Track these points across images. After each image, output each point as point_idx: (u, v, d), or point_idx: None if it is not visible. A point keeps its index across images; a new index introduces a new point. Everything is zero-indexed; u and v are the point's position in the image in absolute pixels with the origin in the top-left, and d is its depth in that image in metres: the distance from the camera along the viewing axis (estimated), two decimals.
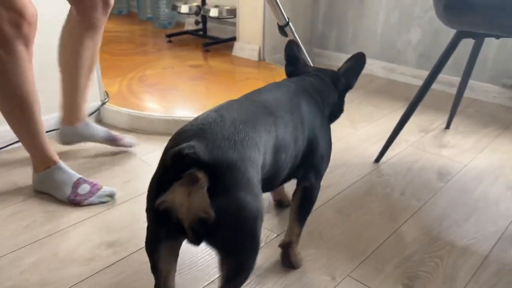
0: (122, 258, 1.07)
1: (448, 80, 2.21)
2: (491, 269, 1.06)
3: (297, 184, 1.03)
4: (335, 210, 1.28)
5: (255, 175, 0.73)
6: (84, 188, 1.27)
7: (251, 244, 0.75)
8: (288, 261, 1.05)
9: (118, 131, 1.72)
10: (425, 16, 2.21)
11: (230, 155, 0.70)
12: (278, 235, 1.17)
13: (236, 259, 0.75)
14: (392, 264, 1.07)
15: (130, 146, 1.58)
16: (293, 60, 1.13)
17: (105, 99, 1.84)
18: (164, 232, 0.74)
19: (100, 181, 1.36)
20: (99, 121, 1.81)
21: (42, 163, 1.28)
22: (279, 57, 2.55)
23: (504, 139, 1.73)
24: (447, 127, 1.82)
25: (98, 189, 1.29)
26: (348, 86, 1.12)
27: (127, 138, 1.59)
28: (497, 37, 1.31)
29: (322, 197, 1.34)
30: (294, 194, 1.04)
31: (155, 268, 0.80)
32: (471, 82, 2.13)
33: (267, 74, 2.29)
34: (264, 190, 0.80)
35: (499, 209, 1.30)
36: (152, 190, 0.72)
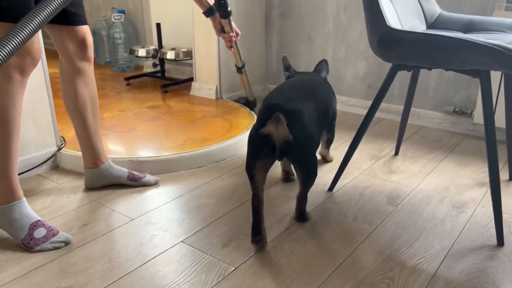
0: None
1: (396, 109, 2.35)
2: (439, 286, 1.12)
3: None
4: (292, 239, 1.32)
5: (313, 118, 1.31)
6: (40, 232, 1.26)
7: (311, 157, 1.30)
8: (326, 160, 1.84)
9: (77, 176, 1.72)
10: (369, 50, 2.36)
11: (296, 106, 1.26)
12: (236, 268, 1.19)
13: (304, 168, 1.32)
14: (346, 287, 1.11)
15: (154, 183, 1.66)
16: (287, 67, 1.73)
17: (62, 144, 1.84)
18: (261, 153, 1.24)
19: (58, 225, 1.36)
20: (56, 167, 1.81)
21: (5, 195, 1.26)
22: (236, 95, 2.64)
23: (449, 162, 1.84)
24: (396, 153, 1.92)
25: (54, 235, 1.28)
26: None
27: (149, 176, 1.67)
28: (429, 68, 1.43)
29: (278, 227, 1.38)
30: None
31: (252, 179, 1.27)
32: (417, 110, 2.28)
33: (224, 111, 2.35)
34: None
35: (445, 227, 1.37)
36: (257, 126, 1.24)
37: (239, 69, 2.19)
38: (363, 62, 2.41)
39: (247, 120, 2.18)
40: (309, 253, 1.25)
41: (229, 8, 1.77)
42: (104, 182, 1.61)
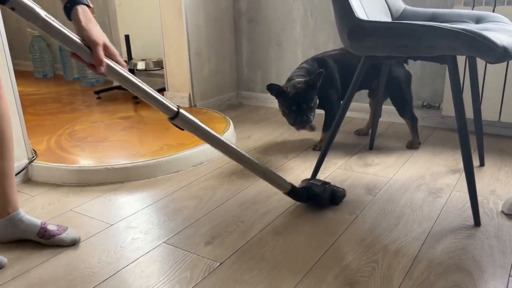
0: None
1: (367, 108, 2.39)
2: (422, 265, 1.14)
3: None
4: (275, 233, 1.32)
5: None
6: None
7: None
8: None
9: (50, 187, 1.67)
10: None
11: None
12: (221, 263, 1.17)
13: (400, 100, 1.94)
14: (332, 274, 1.12)
15: (69, 244, 1.29)
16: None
17: (33, 157, 1.79)
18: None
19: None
20: (28, 180, 1.75)
21: None
22: (209, 102, 2.64)
23: (421, 152, 1.89)
24: (371, 148, 1.95)
25: None
26: None
27: (68, 233, 1.31)
28: (398, 59, 1.47)
29: (261, 222, 1.37)
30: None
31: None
32: (388, 107, 2.33)
33: (199, 117, 2.31)
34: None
35: (423, 212, 1.40)
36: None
37: (172, 120, 1.19)
38: None
39: (223, 124, 2.18)
40: (293, 245, 1.25)
41: None
42: (10, 236, 1.30)
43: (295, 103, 1.77)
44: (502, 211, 1.39)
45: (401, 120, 2.31)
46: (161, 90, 2.76)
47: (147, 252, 1.24)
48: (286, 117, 1.84)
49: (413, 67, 2.24)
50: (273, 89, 1.80)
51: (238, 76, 2.83)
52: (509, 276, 1.09)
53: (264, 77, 2.73)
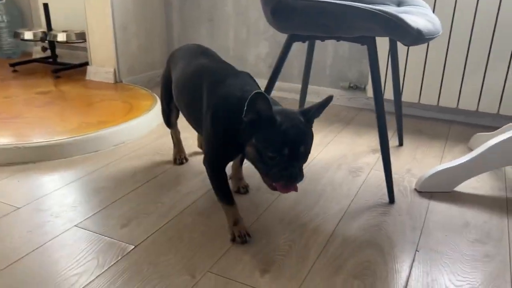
0: None
1: (296, 88, 2.41)
2: (337, 243, 1.16)
3: None
4: (196, 213, 1.29)
5: None
6: None
7: None
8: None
9: None
10: (269, 30, 2.39)
11: None
12: (136, 246, 1.13)
13: None
14: (250, 254, 1.11)
15: None
16: None
17: None
18: None
19: None
20: None
21: None
22: (137, 78, 2.52)
23: (346, 133, 1.94)
24: None
25: None
26: None
27: None
28: (322, 39, 1.47)
29: (183, 203, 1.34)
30: None
31: None
32: (316, 87, 2.36)
33: (124, 94, 2.24)
34: None
35: (343, 190, 1.43)
36: None
37: None
38: (265, 43, 2.44)
39: (149, 101, 2.09)
40: (213, 225, 1.23)
41: None
42: None
43: (289, 144, 1.04)
44: (415, 189, 1.46)
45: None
46: (84, 65, 2.60)
47: (56, 236, 1.16)
48: (263, 166, 1.06)
49: (341, 48, 2.27)
50: (260, 105, 1.01)
51: (170, 52, 2.73)
52: (416, 250, 1.14)
53: None
